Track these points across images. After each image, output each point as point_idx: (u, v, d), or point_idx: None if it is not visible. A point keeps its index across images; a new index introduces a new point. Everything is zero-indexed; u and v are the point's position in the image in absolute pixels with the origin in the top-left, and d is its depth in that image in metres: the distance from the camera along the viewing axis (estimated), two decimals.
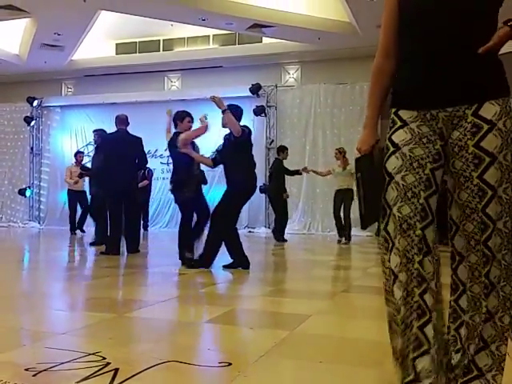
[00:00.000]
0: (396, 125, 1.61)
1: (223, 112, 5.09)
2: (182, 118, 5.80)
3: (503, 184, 1.53)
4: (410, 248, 1.52)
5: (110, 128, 7.43)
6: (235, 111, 5.28)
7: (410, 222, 1.53)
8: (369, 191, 1.67)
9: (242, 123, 5.30)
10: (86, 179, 9.98)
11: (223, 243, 5.21)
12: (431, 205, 1.55)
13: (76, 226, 11.03)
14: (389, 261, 1.55)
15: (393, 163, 1.58)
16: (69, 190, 11.15)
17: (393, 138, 1.61)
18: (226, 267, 5.17)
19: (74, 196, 11.01)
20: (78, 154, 11.45)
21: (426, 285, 1.51)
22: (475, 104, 1.54)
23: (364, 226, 1.74)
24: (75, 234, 10.85)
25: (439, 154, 1.57)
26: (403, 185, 1.55)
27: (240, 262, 5.15)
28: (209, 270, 5.23)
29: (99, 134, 8.27)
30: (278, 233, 9.40)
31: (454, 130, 1.56)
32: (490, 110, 1.53)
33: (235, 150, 5.13)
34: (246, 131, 5.14)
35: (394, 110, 1.64)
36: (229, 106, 5.36)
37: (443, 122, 1.57)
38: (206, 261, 5.19)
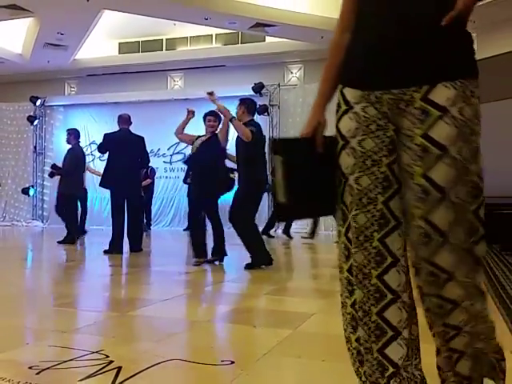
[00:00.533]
0: (341, 108, 1.38)
1: (230, 120, 5.11)
2: (204, 118, 5.63)
3: (458, 185, 1.25)
4: (367, 262, 1.31)
5: (113, 127, 7.45)
6: (250, 105, 5.28)
7: (367, 232, 1.31)
8: (295, 179, 1.40)
9: None
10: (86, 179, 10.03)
11: (242, 241, 5.12)
12: (393, 208, 1.31)
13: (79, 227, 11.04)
14: (347, 270, 1.36)
15: (344, 161, 1.36)
16: None
17: (339, 126, 1.38)
18: (247, 268, 5.02)
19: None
20: None
21: (387, 301, 1.30)
22: (425, 86, 1.27)
23: (282, 218, 1.53)
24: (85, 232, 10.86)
25: (393, 142, 1.32)
26: (358, 189, 1.33)
27: (261, 258, 5.05)
28: (211, 269, 5.24)
29: (71, 132, 8.45)
30: (268, 229, 9.64)
31: (403, 117, 1.30)
32: (442, 93, 1.26)
33: (245, 150, 5.13)
34: (254, 131, 5.10)
35: (340, 87, 1.41)
36: (243, 99, 5.36)
37: (388, 105, 1.31)
38: (262, 258, 5.07)
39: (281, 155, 1.42)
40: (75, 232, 8.20)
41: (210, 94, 5.40)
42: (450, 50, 1.27)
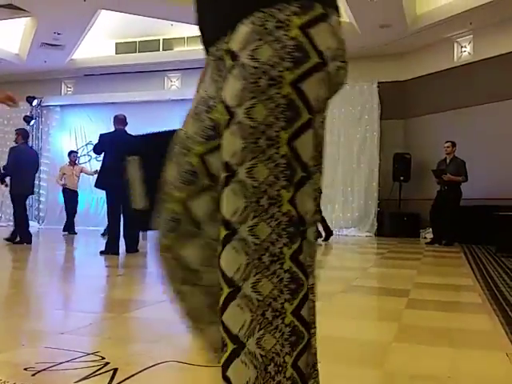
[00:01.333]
0: None
1: None
2: None
3: (247, 160, 0.85)
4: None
5: (110, 128, 7.43)
6: None
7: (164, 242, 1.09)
8: (157, 177, 1.13)
9: None
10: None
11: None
12: (196, 211, 1.02)
13: (69, 227, 11.02)
14: None
15: None
16: (64, 188, 11.22)
17: None
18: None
19: (71, 195, 11.10)
20: (72, 154, 11.57)
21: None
22: (229, 31, 0.93)
23: (144, 226, 1.36)
24: (75, 233, 10.86)
25: (215, 126, 1.00)
26: (166, 184, 1.08)
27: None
28: None
29: (18, 132, 8.44)
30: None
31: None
32: (237, 35, 0.90)
33: None
34: None
35: None
36: None
37: (213, 69, 1.03)
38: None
39: (138, 155, 1.23)
40: (23, 234, 7.82)
41: None
42: None
